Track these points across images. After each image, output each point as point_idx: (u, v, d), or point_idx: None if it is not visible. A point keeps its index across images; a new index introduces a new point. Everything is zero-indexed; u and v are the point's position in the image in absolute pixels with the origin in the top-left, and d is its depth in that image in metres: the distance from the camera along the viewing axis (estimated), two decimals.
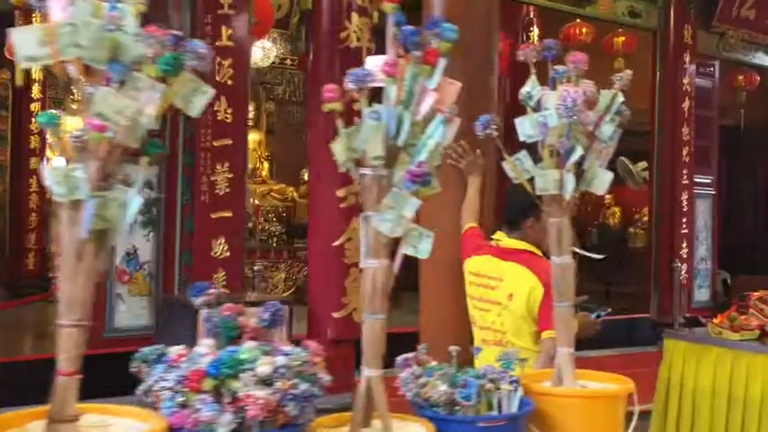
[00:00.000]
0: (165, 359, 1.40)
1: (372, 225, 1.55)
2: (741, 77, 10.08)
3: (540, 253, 2.58)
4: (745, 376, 3.45)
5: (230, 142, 5.44)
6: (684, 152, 8.61)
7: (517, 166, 1.92)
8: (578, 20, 8.74)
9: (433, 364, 1.84)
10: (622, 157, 10.00)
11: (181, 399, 1.33)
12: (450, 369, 1.82)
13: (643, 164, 9.34)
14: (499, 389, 1.77)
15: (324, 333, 4.99)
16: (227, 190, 5.44)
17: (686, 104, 8.59)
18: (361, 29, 4.83)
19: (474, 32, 3.21)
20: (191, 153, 5.41)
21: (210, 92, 1.38)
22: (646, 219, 10.44)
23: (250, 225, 11.66)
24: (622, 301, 10.41)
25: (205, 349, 1.42)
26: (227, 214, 5.44)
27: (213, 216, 5.40)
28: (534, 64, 1.95)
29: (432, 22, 1.51)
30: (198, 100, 1.37)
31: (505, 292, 2.52)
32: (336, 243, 4.69)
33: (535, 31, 10.65)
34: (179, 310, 3.81)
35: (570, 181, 1.81)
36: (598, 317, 2.87)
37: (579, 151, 1.80)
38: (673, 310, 8.45)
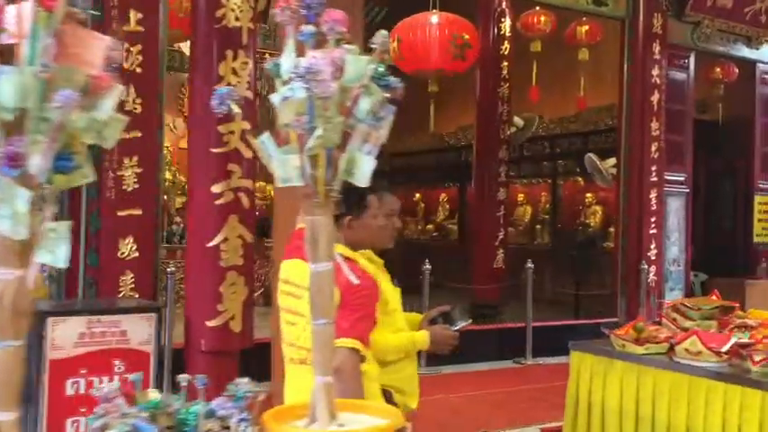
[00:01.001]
0: None
1: None
2: (718, 70, 9.57)
3: (352, 254, 2.20)
4: (652, 394, 3.05)
5: (140, 135, 5.06)
6: (653, 148, 8.16)
7: (264, 151, 1.54)
8: (537, 8, 8.32)
9: (154, 397, 1.48)
10: (590, 154, 9.61)
11: None
12: (175, 404, 1.46)
13: (612, 160, 8.94)
14: (228, 428, 1.42)
15: (198, 344, 4.55)
16: (137, 186, 5.06)
17: (655, 97, 8.16)
18: (240, 7, 4.40)
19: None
20: (96, 145, 5.05)
21: None
22: None
23: None
24: (595, 304, 9.98)
25: None
26: (137, 212, 5.06)
27: (120, 213, 5.03)
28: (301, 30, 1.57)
29: None
30: None
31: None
32: (211, 244, 4.29)
33: (507, 22, 10.27)
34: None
35: (308, 168, 1.44)
36: (457, 330, 2.50)
37: (319, 131, 1.42)
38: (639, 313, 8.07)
